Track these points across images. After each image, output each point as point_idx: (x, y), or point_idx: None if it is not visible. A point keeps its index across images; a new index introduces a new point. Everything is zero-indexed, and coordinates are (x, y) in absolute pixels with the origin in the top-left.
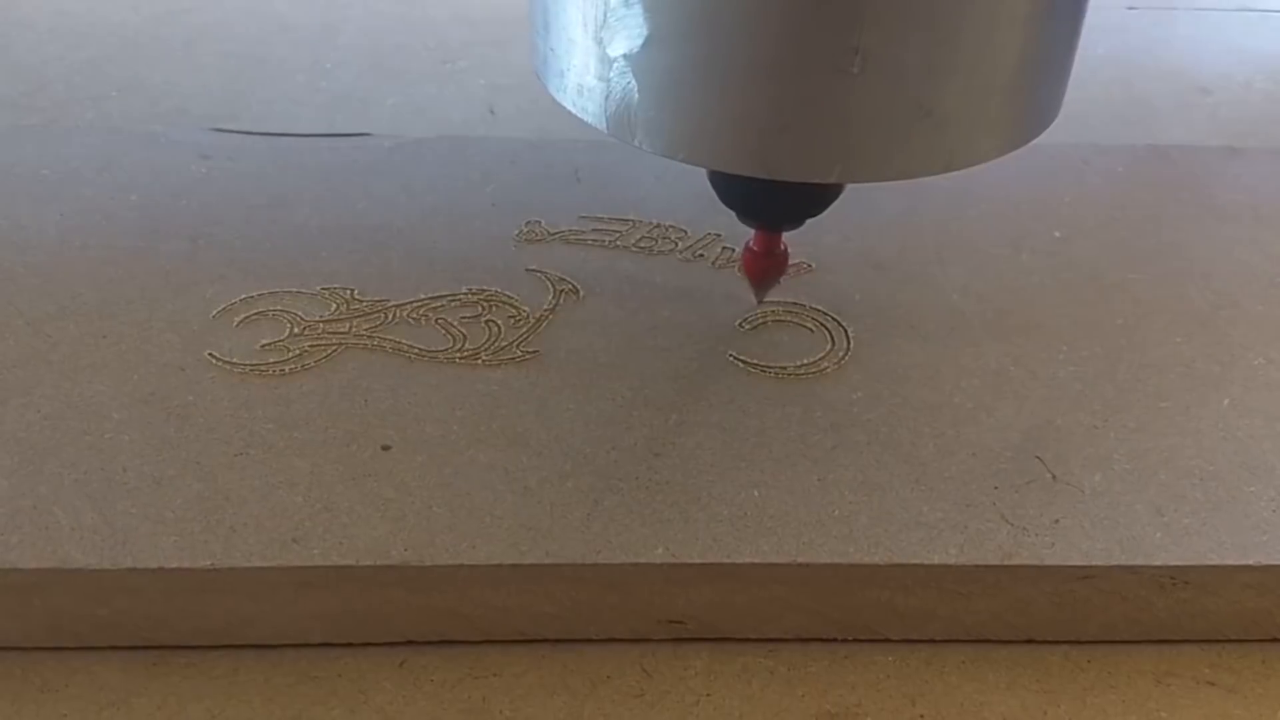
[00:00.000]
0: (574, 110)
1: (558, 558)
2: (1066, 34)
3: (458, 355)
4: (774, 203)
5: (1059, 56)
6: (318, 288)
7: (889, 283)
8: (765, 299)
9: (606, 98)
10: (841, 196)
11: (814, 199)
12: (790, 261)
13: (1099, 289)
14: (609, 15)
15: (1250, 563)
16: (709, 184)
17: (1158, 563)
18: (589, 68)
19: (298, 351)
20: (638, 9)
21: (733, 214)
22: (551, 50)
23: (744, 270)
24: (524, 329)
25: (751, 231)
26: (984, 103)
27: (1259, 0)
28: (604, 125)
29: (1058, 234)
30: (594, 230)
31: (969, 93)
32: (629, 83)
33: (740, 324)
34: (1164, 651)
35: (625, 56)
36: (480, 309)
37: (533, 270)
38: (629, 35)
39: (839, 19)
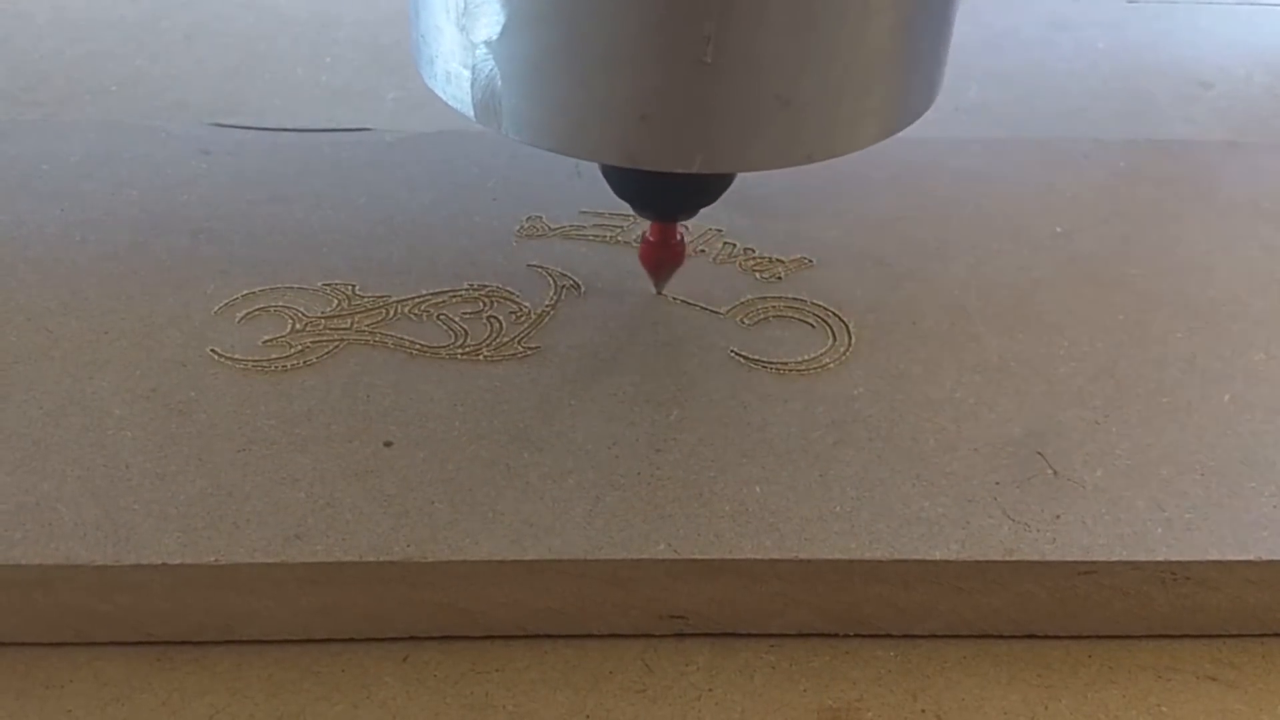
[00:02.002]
0: (445, 98)
1: (559, 553)
2: (936, 19)
3: (459, 351)
4: (661, 192)
5: (929, 42)
6: (319, 283)
7: (890, 278)
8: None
9: (472, 84)
10: (841, 191)
11: (701, 189)
12: (792, 256)
13: (1100, 284)
14: (469, 1)
15: (1251, 558)
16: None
17: (1159, 558)
18: (454, 54)
19: (299, 347)
20: None
21: (733, 209)
22: (421, 36)
23: (641, 260)
24: (525, 325)
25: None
26: (846, 92)
27: None
28: (471, 113)
29: (1058, 229)
30: (595, 225)
31: (828, 82)
32: (492, 69)
33: (741, 320)
34: (1165, 646)
35: (486, 43)
36: (482, 305)
37: (534, 266)
38: (488, 21)
39: (689, 7)
